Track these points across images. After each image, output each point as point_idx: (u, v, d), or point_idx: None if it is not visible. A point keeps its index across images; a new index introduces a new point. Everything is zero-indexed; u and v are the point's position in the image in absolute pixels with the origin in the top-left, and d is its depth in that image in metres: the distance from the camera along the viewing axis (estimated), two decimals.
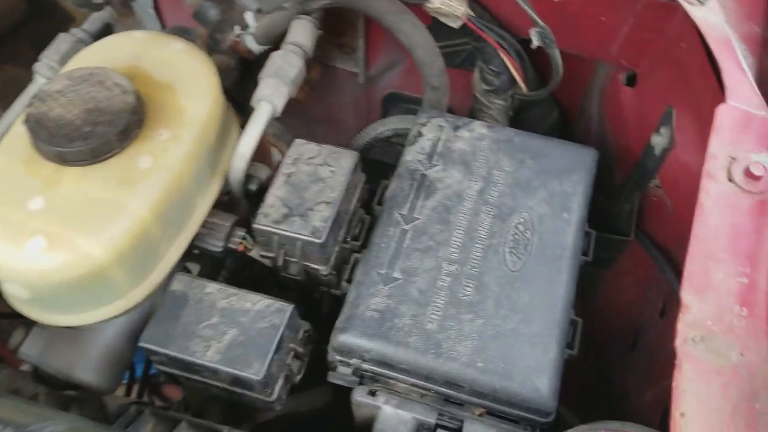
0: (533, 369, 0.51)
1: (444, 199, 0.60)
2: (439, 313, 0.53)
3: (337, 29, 0.97)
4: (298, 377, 0.58)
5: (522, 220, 0.59)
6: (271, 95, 0.64)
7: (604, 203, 0.76)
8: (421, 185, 0.61)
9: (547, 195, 0.60)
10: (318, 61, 0.98)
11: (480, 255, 0.56)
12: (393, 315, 0.53)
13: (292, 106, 0.96)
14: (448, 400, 0.53)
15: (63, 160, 0.54)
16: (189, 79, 0.62)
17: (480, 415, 0.53)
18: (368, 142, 0.72)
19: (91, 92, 0.56)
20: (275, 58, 0.67)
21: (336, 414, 0.57)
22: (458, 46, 0.94)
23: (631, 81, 0.75)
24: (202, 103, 0.61)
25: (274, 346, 0.54)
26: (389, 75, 1.03)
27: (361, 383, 0.55)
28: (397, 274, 0.56)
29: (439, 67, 0.67)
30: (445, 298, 0.54)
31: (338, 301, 0.58)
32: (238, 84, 0.79)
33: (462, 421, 0.52)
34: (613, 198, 0.75)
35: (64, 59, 0.70)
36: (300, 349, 0.56)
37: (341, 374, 0.55)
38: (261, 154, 0.79)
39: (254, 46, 0.76)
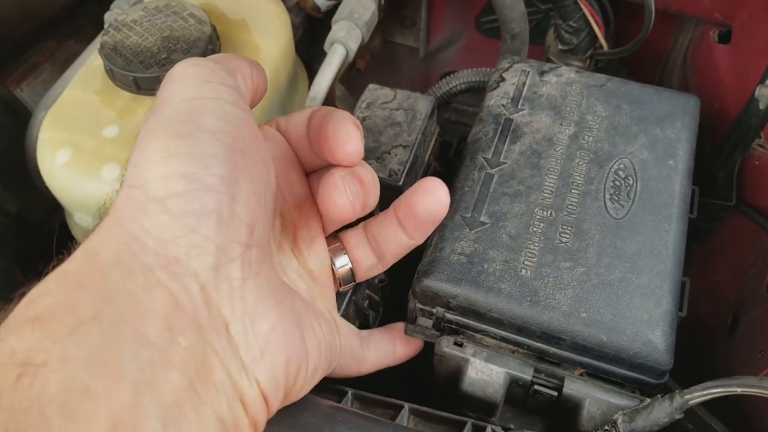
0: (645, 321, 0.45)
1: (533, 143, 0.54)
2: (533, 259, 0.47)
3: (399, 0, 0.94)
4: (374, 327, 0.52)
5: (622, 166, 0.53)
6: (344, 38, 0.60)
7: (697, 172, 0.70)
8: (507, 129, 0.55)
9: (648, 141, 0.54)
10: (379, 32, 0.95)
11: (577, 201, 0.51)
12: (482, 259, 0.47)
13: (352, 74, 0.92)
14: (542, 357, 0.47)
15: (138, 87, 0.51)
16: (263, 18, 0.59)
17: (580, 375, 0.46)
18: (441, 96, 0.67)
19: (167, 22, 0.53)
20: (349, 1, 0.63)
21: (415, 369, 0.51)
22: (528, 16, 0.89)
23: (724, 38, 0.70)
24: (275, 43, 0.58)
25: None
26: (449, 51, 0.99)
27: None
28: (484, 219, 0.50)
29: (520, 11, 0.62)
30: (539, 245, 0.48)
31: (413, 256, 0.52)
32: (302, 43, 0.75)
33: (562, 380, 0.45)
34: (706, 165, 0.69)
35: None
36: (376, 298, 0.51)
37: (421, 327, 0.49)
38: None
39: (321, 2, 0.73)
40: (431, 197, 0.43)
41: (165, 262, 0.31)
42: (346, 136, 0.40)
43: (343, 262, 0.46)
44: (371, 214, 0.47)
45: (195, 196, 0.32)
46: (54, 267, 0.31)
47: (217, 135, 0.34)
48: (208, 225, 0.32)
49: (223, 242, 0.32)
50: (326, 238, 0.47)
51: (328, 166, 0.45)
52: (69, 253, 0.31)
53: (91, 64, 0.56)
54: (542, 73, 0.59)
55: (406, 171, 0.53)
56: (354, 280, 0.47)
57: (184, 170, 0.32)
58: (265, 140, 0.39)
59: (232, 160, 0.33)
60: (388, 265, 0.48)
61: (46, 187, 0.52)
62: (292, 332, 0.35)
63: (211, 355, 0.31)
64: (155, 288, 0.30)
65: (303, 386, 0.37)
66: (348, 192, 0.41)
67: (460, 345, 0.47)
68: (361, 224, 0.48)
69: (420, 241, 0.46)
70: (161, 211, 0.31)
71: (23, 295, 0.29)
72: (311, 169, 0.47)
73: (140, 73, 0.51)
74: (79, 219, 0.53)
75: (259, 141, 0.37)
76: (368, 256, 0.47)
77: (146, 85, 0.51)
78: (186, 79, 0.36)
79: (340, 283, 0.47)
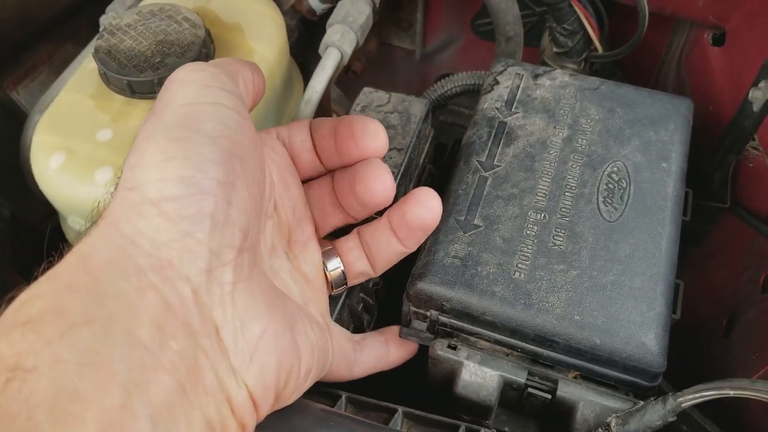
0: (638, 324, 0.45)
1: (527, 146, 0.54)
2: (527, 262, 0.48)
3: (395, 3, 0.94)
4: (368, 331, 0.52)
5: (615, 169, 0.53)
6: (339, 41, 0.60)
7: (691, 175, 0.70)
8: (501, 133, 0.55)
9: (641, 144, 0.54)
10: (375, 35, 0.95)
11: (570, 204, 0.51)
12: (475, 263, 0.48)
13: (348, 77, 0.92)
14: (536, 360, 0.47)
15: (132, 91, 0.51)
16: (257, 21, 0.59)
17: (574, 377, 0.47)
18: (436, 99, 0.67)
19: (161, 26, 0.54)
20: (343, 4, 0.63)
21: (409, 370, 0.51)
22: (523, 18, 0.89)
23: (718, 40, 0.70)
24: (270, 46, 0.58)
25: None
26: (445, 54, 0.99)
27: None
28: (477, 222, 0.50)
29: (515, 15, 0.63)
30: (533, 247, 0.48)
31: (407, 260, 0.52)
32: (298, 46, 0.75)
33: (555, 383, 0.46)
34: (701, 168, 0.69)
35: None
36: (370, 301, 0.51)
37: (415, 330, 0.49)
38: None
39: (317, 5, 0.73)
40: (423, 206, 0.44)
41: (158, 265, 0.31)
42: (375, 131, 0.43)
43: (335, 265, 0.46)
44: (368, 220, 0.47)
45: (191, 200, 0.32)
46: (45, 270, 0.31)
47: (216, 140, 0.34)
48: (203, 229, 0.32)
49: (217, 247, 0.32)
50: (319, 241, 0.47)
51: (328, 174, 0.46)
52: (60, 256, 0.31)
53: (85, 67, 0.56)
54: (536, 77, 0.59)
55: (400, 174, 0.53)
56: (346, 283, 0.47)
57: (180, 174, 0.32)
58: (263, 146, 0.39)
59: (229, 165, 0.34)
60: (381, 272, 0.48)
61: (40, 191, 0.52)
62: (283, 335, 0.35)
63: (201, 358, 0.31)
64: (147, 290, 0.30)
65: (295, 390, 0.37)
66: (387, 175, 0.43)
67: (454, 348, 0.47)
68: (355, 230, 0.48)
69: (412, 249, 0.47)
70: (156, 214, 0.31)
71: (12, 299, 0.29)
72: (306, 178, 0.47)
73: (134, 77, 0.51)
74: (72, 222, 0.53)
75: (257, 146, 0.37)
76: (361, 261, 0.47)
77: (140, 89, 0.51)
78: (188, 83, 0.36)
79: (332, 286, 0.47)
